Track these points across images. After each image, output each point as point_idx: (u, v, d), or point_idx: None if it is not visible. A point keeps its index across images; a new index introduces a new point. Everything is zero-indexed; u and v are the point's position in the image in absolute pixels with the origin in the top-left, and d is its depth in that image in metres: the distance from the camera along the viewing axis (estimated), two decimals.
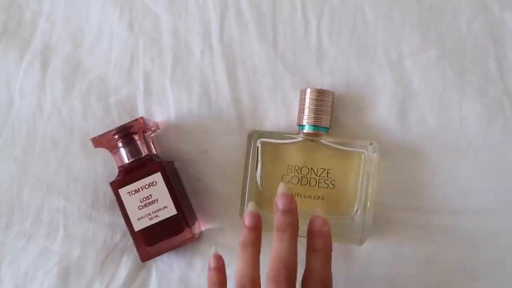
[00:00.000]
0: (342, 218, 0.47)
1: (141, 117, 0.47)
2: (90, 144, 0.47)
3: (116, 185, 0.46)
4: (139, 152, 0.48)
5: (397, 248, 0.49)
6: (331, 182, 0.47)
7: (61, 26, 0.54)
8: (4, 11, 0.54)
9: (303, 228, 0.48)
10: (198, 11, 0.52)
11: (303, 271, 0.41)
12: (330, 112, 0.48)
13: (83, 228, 0.52)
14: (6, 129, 0.53)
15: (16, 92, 0.53)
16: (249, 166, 0.48)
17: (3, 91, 0.53)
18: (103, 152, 0.51)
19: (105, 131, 0.47)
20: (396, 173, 0.49)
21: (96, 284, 0.51)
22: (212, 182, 0.51)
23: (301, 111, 0.48)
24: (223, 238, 0.51)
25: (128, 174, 0.47)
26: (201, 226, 0.51)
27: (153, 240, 0.47)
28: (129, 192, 0.46)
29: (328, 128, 0.48)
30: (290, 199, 0.41)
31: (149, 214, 0.46)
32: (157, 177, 0.46)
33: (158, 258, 0.50)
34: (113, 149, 0.48)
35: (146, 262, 0.49)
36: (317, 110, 0.47)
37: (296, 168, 0.47)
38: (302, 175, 0.47)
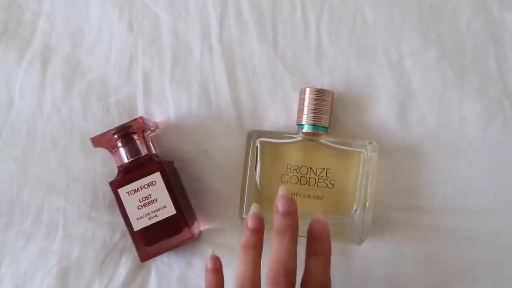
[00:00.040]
0: (341, 217, 0.47)
1: (141, 117, 0.47)
2: (90, 144, 0.47)
3: (115, 185, 0.46)
4: (138, 152, 0.48)
5: (397, 248, 0.49)
6: (330, 182, 0.47)
7: (61, 26, 0.54)
8: (4, 11, 0.54)
9: (302, 228, 0.48)
10: (198, 11, 0.52)
11: (302, 272, 0.41)
12: (330, 111, 0.48)
13: (82, 228, 0.52)
14: (6, 129, 0.53)
15: (16, 92, 0.53)
16: (249, 165, 0.48)
17: (3, 91, 0.53)
18: (102, 152, 0.51)
19: (105, 130, 0.47)
20: (395, 173, 0.49)
21: (95, 284, 0.51)
22: (211, 182, 0.51)
23: (300, 110, 0.48)
24: (222, 238, 0.51)
25: (128, 174, 0.46)
26: (200, 226, 0.51)
27: (153, 240, 0.47)
28: (128, 192, 0.46)
29: (327, 128, 0.48)
30: (290, 201, 0.41)
31: (148, 214, 0.46)
32: (157, 176, 0.46)
33: (157, 258, 0.50)
34: (113, 149, 0.48)
35: (145, 262, 0.49)
36: (317, 110, 0.47)
37: (295, 167, 0.47)
38: (301, 175, 0.47)
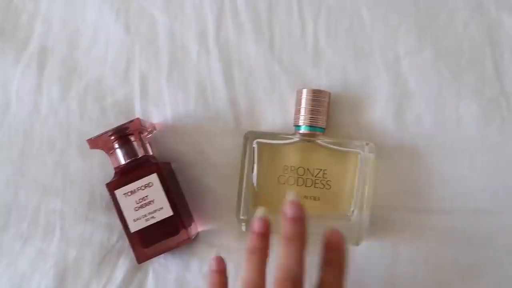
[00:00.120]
0: (339, 218, 0.47)
1: (137, 118, 0.47)
2: (87, 145, 0.47)
3: (112, 186, 0.46)
4: (135, 153, 0.48)
5: (394, 249, 0.49)
6: (327, 183, 0.47)
7: (58, 28, 0.54)
8: (0, 12, 0.54)
9: None
10: (194, 12, 0.52)
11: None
12: (327, 112, 0.48)
13: (79, 229, 0.51)
14: (3, 131, 0.53)
15: (13, 94, 0.53)
16: (245, 167, 0.48)
17: (0, 93, 0.53)
18: (99, 154, 0.50)
19: (102, 132, 0.47)
20: (392, 174, 0.49)
21: (92, 285, 0.51)
22: (208, 183, 0.51)
23: (297, 111, 0.48)
24: (219, 239, 0.51)
25: (124, 175, 0.46)
26: (197, 227, 0.51)
27: (150, 242, 0.47)
28: (125, 193, 0.46)
29: (324, 129, 0.48)
30: (299, 207, 0.40)
31: (145, 216, 0.46)
32: (153, 178, 0.46)
33: (154, 259, 0.50)
34: (109, 150, 0.48)
35: (142, 264, 0.49)
36: (314, 111, 0.47)
37: (292, 168, 0.47)
38: (298, 176, 0.47)
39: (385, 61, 0.50)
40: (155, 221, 0.46)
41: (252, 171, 0.48)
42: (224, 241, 0.51)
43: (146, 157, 0.48)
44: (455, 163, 0.49)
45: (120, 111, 0.52)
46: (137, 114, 0.52)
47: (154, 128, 0.51)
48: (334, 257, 0.40)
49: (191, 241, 0.48)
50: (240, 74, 0.52)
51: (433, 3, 0.50)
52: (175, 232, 0.46)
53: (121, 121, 0.51)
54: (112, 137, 0.47)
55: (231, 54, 0.52)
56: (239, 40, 0.52)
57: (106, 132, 0.47)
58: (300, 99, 0.48)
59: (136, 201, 0.46)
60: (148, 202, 0.46)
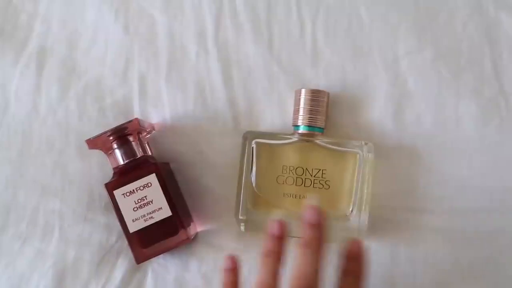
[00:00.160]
0: (338, 218, 0.47)
1: (136, 118, 0.47)
2: (85, 145, 0.47)
3: (111, 187, 0.46)
4: (134, 154, 0.48)
5: (393, 248, 0.49)
6: (326, 183, 0.47)
7: (57, 28, 0.54)
8: None
9: (299, 229, 0.48)
10: (193, 13, 0.52)
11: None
12: (325, 112, 0.48)
13: (78, 229, 0.51)
14: (2, 131, 0.53)
15: (12, 94, 0.53)
16: (244, 167, 0.48)
17: None
18: (98, 154, 0.50)
19: (100, 132, 0.47)
20: (391, 174, 0.49)
21: (91, 286, 0.51)
22: (207, 183, 0.51)
23: (296, 111, 0.48)
24: (218, 239, 0.51)
25: (123, 176, 0.46)
26: (196, 227, 0.51)
27: (148, 242, 0.47)
28: (124, 194, 0.46)
29: (323, 129, 0.48)
30: (319, 212, 0.39)
31: (144, 216, 0.46)
32: (152, 178, 0.46)
33: (153, 259, 0.50)
34: (108, 151, 0.48)
35: (141, 264, 0.49)
36: (312, 111, 0.47)
37: (291, 168, 0.47)
38: (297, 176, 0.47)
39: (384, 61, 0.50)
40: (154, 221, 0.46)
41: (251, 171, 0.48)
42: (223, 241, 0.51)
43: (145, 157, 0.48)
44: (454, 163, 0.49)
45: (119, 112, 0.52)
46: (136, 114, 0.52)
47: (153, 128, 0.51)
48: (354, 267, 0.40)
49: (190, 241, 0.48)
50: (239, 74, 0.52)
51: (433, 2, 0.50)
52: (174, 232, 0.46)
53: (120, 121, 0.51)
54: (111, 137, 0.47)
55: (230, 54, 0.52)
56: (238, 40, 0.52)
57: (105, 132, 0.47)
58: (299, 99, 0.48)
59: (135, 201, 0.46)
60: (147, 202, 0.46)
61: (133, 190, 0.46)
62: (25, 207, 0.52)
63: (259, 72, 0.51)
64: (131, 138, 0.48)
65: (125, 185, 0.46)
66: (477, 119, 0.49)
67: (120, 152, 0.47)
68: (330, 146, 0.47)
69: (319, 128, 0.47)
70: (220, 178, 0.51)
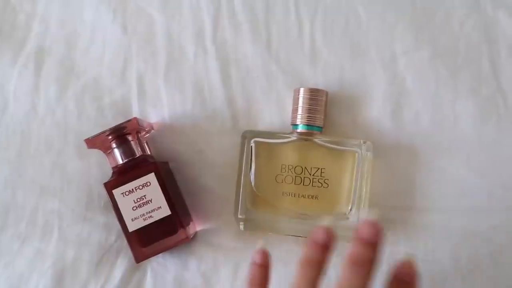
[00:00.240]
0: (336, 217, 0.47)
1: (135, 118, 0.47)
2: (84, 145, 0.47)
3: (110, 186, 0.46)
4: (133, 153, 0.48)
5: (392, 247, 0.49)
6: (325, 181, 0.47)
7: (55, 28, 0.54)
8: None
9: (298, 228, 0.48)
10: (191, 12, 0.52)
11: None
12: (324, 111, 0.48)
13: (77, 229, 0.51)
14: (0, 131, 0.53)
15: (10, 94, 0.53)
16: (243, 166, 0.48)
17: None
18: (97, 153, 0.50)
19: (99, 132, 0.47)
20: (390, 172, 0.49)
21: (91, 285, 0.51)
22: (206, 183, 0.51)
23: (294, 110, 0.48)
24: (218, 238, 0.51)
25: (122, 175, 0.46)
26: (196, 226, 0.51)
27: (148, 241, 0.47)
28: (123, 193, 0.46)
29: (321, 128, 0.48)
30: (377, 229, 0.34)
31: (143, 215, 0.46)
32: (151, 177, 0.46)
33: (153, 258, 0.50)
34: (107, 150, 0.48)
35: (141, 263, 0.49)
36: (311, 110, 0.47)
37: (290, 167, 0.47)
38: (296, 175, 0.47)
39: (382, 60, 0.50)
40: (153, 221, 0.46)
41: (250, 170, 0.48)
42: (222, 240, 0.51)
43: (144, 157, 0.48)
44: (452, 162, 0.49)
45: (118, 111, 0.52)
46: (135, 114, 0.52)
47: (152, 128, 0.51)
48: None
49: (189, 240, 0.48)
50: (237, 74, 0.52)
51: (430, 2, 0.51)
52: (173, 231, 0.46)
53: (119, 120, 0.51)
54: (110, 137, 0.47)
55: (228, 54, 0.52)
56: (236, 40, 0.52)
57: (103, 132, 0.47)
58: (298, 98, 0.48)
59: (134, 201, 0.46)
60: (146, 201, 0.46)
61: (132, 189, 0.46)
62: (24, 207, 0.52)
63: (258, 72, 0.51)
64: (130, 138, 0.48)
65: (124, 184, 0.46)
66: (475, 118, 0.49)
67: (119, 151, 0.48)
68: (328, 145, 0.47)
69: (318, 127, 0.47)
70: (219, 177, 0.51)
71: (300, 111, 0.47)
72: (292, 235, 0.48)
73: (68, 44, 0.53)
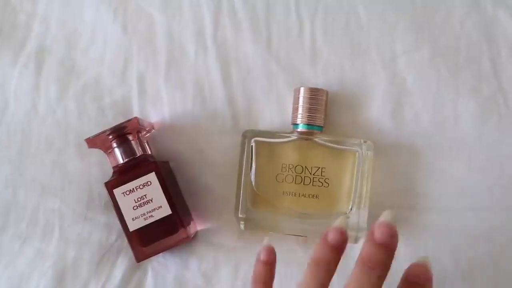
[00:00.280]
0: (337, 216, 0.47)
1: (135, 117, 0.47)
2: (85, 145, 0.47)
3: (110, 186, 0.46)
4: (133, 152, 0.48)
5: None
6: (326, 181, 0.47)
7: (56, 28, 0.54)
8: None
9: (299, 227, 0.48)
10: (192, 12, 0.52)
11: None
12: (324, 110, 0.48)
13: (78, 229, 0.51)
14: (1, 130, 0.53)
15: (11, 94, 0.53)
16: (244, 165, 0.48)
17: None
18: (97, 153, 0.51)
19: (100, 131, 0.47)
20: (390, 172, 0.49)
21: (91, 285, 0.51)
22: (207, 182, 0.51)
23: (295, 110, 0.48)
24: (218, 238, 0.51)
25: (123, 174, 0.46)
26: (196, 226, 0.51)
27: (148, 240, 0.47)
28: (123, 192, 0.46)
29: (322, 127, 0.48)
30: (393, 232, 0.33)
31: (144, 214, 0.46)
32: (152, 177, 0.46)
33: (153, 258, 0.50)
34: (108, 150, 0.48)
35: (141, 263, 0.49)
36: (311, 109, 0.47)
37: (291, 167, 0.47)
38: (297, 174, 0.47)
39: (382, 60, 0.50)
40: (154, 220, 0.46)
41: (250, 170, 0.48)
42: (223, 240, 0.51)
43: (144, 156, 0.48)
44: (452, 161, 0.49)
45: (118, 111, 0.52)
46: (135, 113, 0.52)
47: (152, 127, 0.51)
48: None
49: (190, 239, 0.48)
50: (237, 73, 0.52)
51: (430, 1, 0.51)
52: (174, 230, 0.46)
53: (119, 120, 0.51)
54: (110, 136, 0.47)
55: (228, 53, 0.52)
56: (236, 39, 0.52)
57: (104, 131, 0.47)
58: (298, 98, 0.48)
59: (134, 200, 0.46)
60: (146, 201, 0.46)
61: (133, 188, 0.46)
62: (25, 206, 0.52)
63: (258, 71, 0.51)
64: (130, 137, 0.48)
65: (124, 183, 0.46)
66: (475, 117, 0.49)
67: (120, 151, 0.48)
68: (329, 144, 0.47)
69: (318, 126, 0.47)
70: (220, 177, 0.51)
71: (300, 110, 0.47)
72: (292, 235, 0.48)
73: (69, 44, 0.53)
